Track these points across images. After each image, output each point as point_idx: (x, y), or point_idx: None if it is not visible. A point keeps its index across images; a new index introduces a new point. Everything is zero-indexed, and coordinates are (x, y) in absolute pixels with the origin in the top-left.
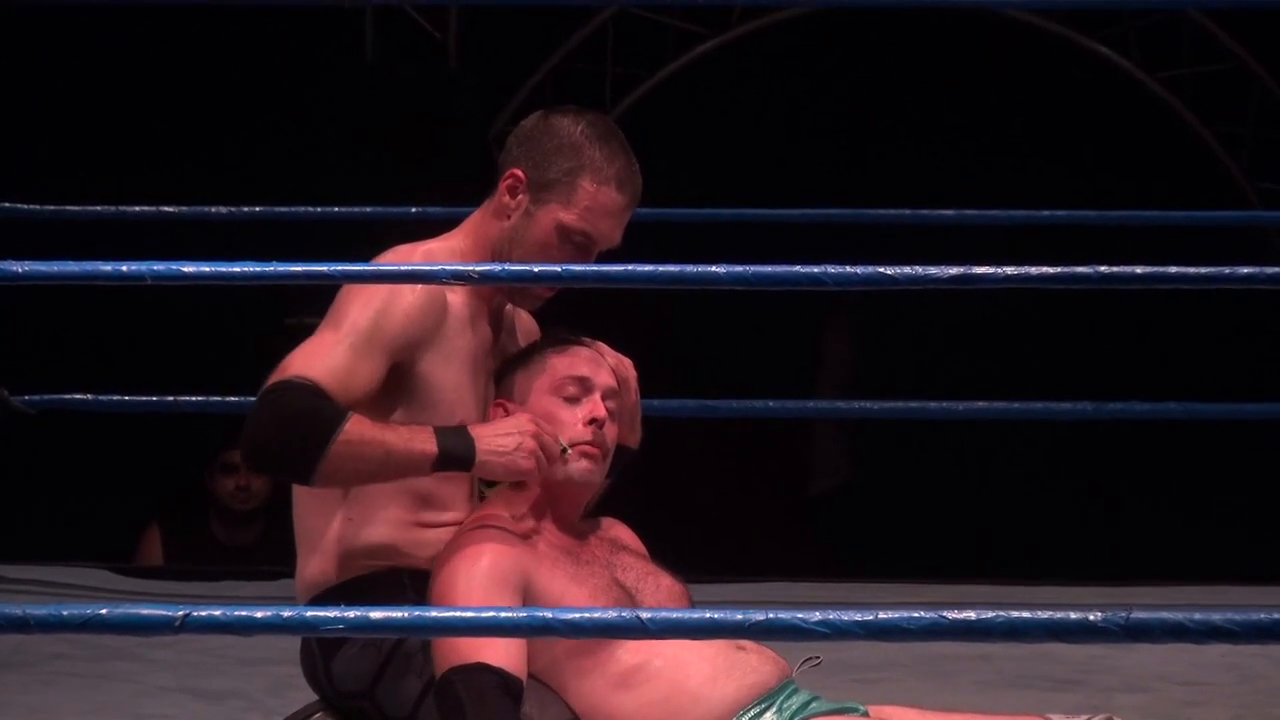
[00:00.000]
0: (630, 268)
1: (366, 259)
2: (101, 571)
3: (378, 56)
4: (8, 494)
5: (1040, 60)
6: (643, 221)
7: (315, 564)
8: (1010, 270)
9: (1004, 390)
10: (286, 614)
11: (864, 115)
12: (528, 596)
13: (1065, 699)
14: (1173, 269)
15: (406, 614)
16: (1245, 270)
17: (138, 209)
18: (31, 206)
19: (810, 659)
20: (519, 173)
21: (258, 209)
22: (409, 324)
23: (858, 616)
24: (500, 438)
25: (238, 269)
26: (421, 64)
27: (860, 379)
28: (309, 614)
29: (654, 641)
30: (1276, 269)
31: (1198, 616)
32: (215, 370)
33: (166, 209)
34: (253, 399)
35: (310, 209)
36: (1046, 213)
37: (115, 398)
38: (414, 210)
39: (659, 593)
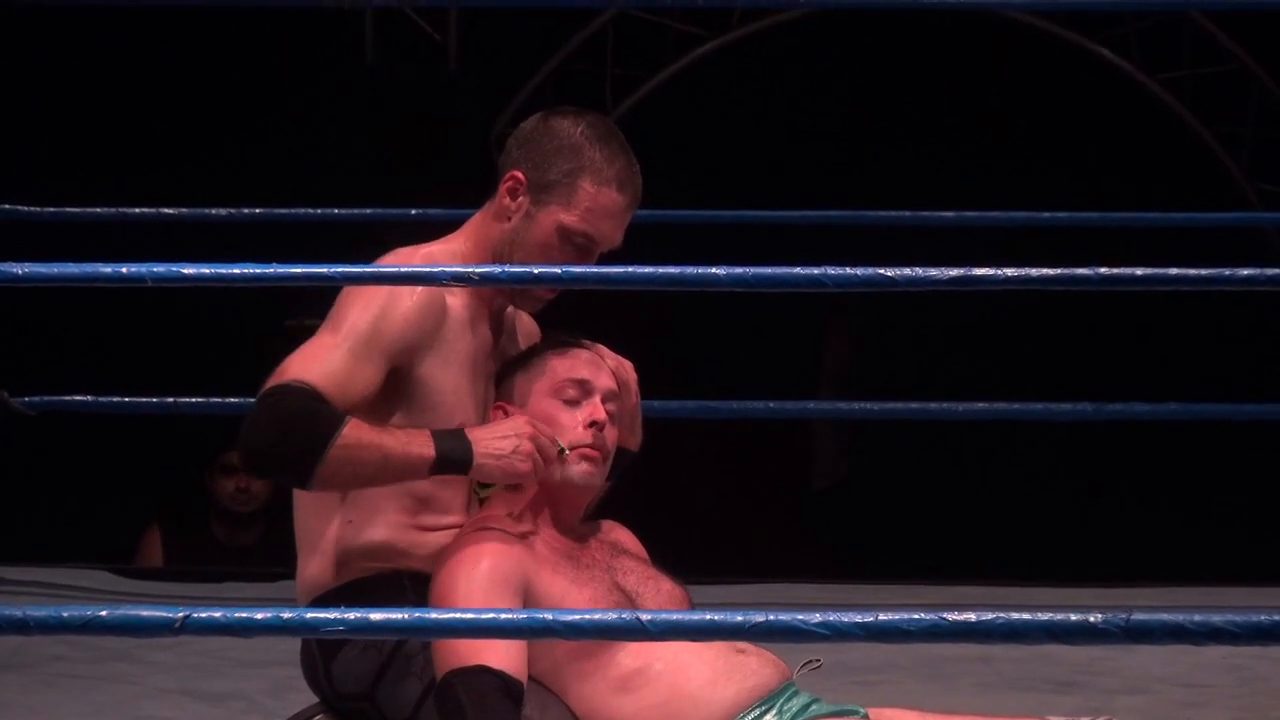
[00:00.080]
0: (630, 269)
1: (366, 261)
2: (101, 573)
3: (378, 58)
4: (8, 495)
5: (1041, 62)
6: (643, 223)
7: (315, 566)
8: (1010, 272)
9: (1004, 391)
10: (287, 615)
11: (864, 117)
12: (528, 599)
13: (1065, 701)
14: (1173, 270)
15: (407, 616)
16: (1245, 271)
17: (138, 211)
18: (31, 208)
19: (810, 662)
20: (519, 175)
21: (258, 211)
22: (408, 328)
23: (858, 618)
24: (497, 440)
25: (238, 271)
26: (421, 66)
27: (860, 380)
28: (309, 615)
29: (654, 645)
30: (1276, 270)
31: (1198, 618)
32: (215, 372)
33: (166, 211)
34: (252, 400)
35: (310, 211)
36: (1047, 214)
37: (115, 399)
38: (414, 212)
39: (659, 597)
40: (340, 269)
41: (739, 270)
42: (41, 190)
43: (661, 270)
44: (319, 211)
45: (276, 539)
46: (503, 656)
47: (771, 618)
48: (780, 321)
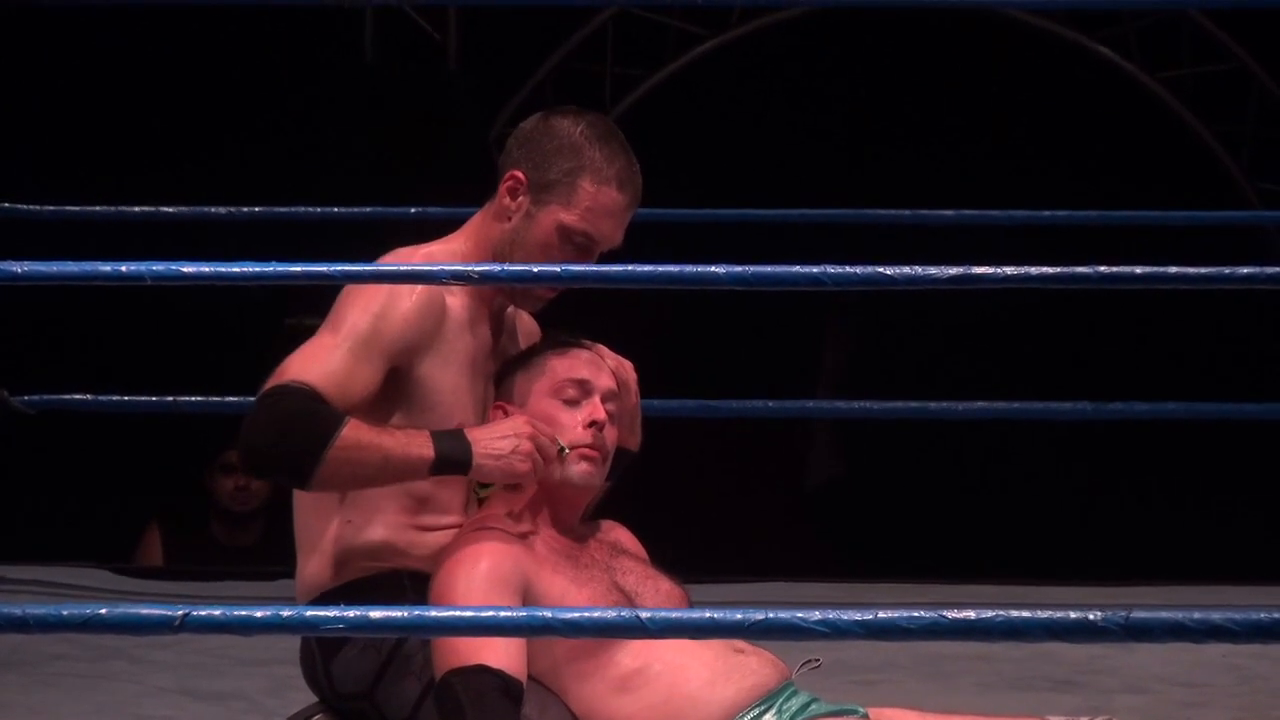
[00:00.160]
0: (630, 268)
1: (366, 259)
2: (101, 572)
3: (377, 57)
4: (8, 494)
5: (1040, 60)
6: (642, 222)
7: (315, 565)
8: (1010, 270)
9: (1004, 390)
10: (286, 614)
11: (863, 115)
12: (527, 599)
13: (1065, 700)
14: (1172, 269)
15: (406, 614)
16: (1245, 270)
17: (137, 209)
18: (31, 207)
19: (810, 661)
20: (519, 174)
21: (257, 209)
22: (407, 328)
23: (857, 616)
24: (497, 441)
25: (237, 269)
26: (421, 64)
27: (859, 379)
28: (309, 614)
29: (653, 645)
30: (1276, 269)
31: (1197, 616)
32: (215, 370)
33: (166, 209)
34: (252, 399)
35: (310, 209)
36: (1046, 213)
37: (115, 398)
38: (414, 211)
39: (658, 597)
40: (340, 268)
41: (738, 269)
42: (41, 189)
43: (661, 269)
44: (318, 210)
45: (276, 538)
46: (502, 656)
47: (771, 616)
48: (780, 321)
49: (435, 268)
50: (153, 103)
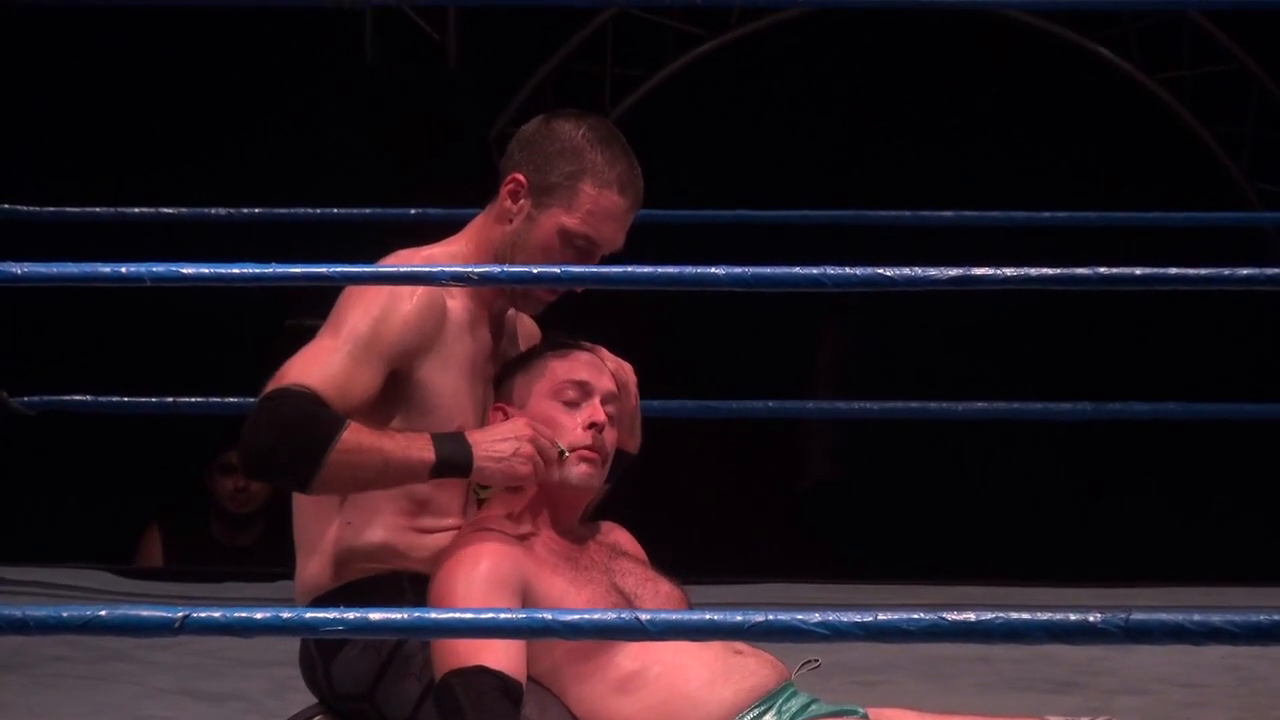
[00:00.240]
0: (629, 269)
1: (366, 261)
2: (101, 573)
3: (377, 58)
4: (7, 495)
5: (1040, 61)
6: (642, 223)
7: (314, 567)
8: (1010, 271)
9: (1004, 391)
10: (286, 615)
11: (863, 116)
12: (527, 600)
13: (1065, 701)
14: (1172, 270)
15: (406, 616)
16: (1245, 271)
17: (137, 210)
18: (31, 208)
19: (809, 661)
20: (521, 177)
21: (257, 210)
22: (408, 331)
23: (857, 618)
24: (497, 444)
25: (237, 270)
26: (421, 65)
27: (859, 380)
28: (309, 615)
29: (653, 647)
30: (1276, 270)
31: (1197, 618)
32: (214, 371)
33: (166, 210)
34: (252, 400)
35: (309, 210)
36: (1046, 214)
37: (115, 399)
38: (413, 212)
39: (658, 598)
40: (339, 269)
41: (738, 270)
42: (41, 190)
43: (660, 270)
44: (318, 211)
45: (276, 539)
46: (502, 657)
47: (771, 618)
48: (780, 322)
49: (435, 269)
50: (152, 104)
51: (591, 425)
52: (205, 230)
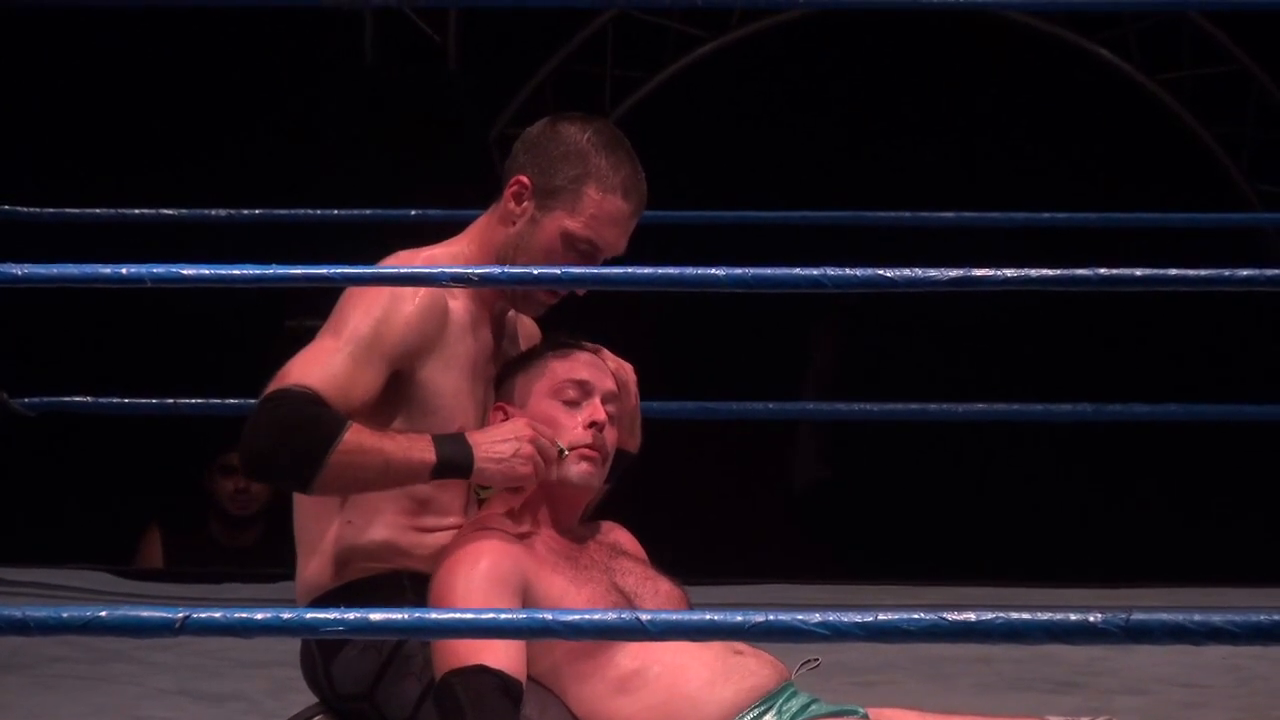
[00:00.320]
0: (630, 270)
1: (366, 261)
2: (101, 574)
3: (377, 59)
4: (7, 496)
5: (1040, 62)
6: (642, 224)
7: (315, 567)
8: (1010, 272)
9: (1004, 392)
10: (286, 616)
11: (863, 117)
12: (527, 600)
13: (1065, 701)
14: (1172, 271)
15: (406, 616)
16: (1245, 272)
17: (137, 211)
18: (31, 209)
19: (809, 661)
20: (525, 179)
21: (257, 211)
22: (409, 332)
23: (857, 618)
24: (498, 444)
25: (237, 271)
26: (421, 66)
27: (859, 381)
28: (309, 616)
29: (653, 647)
30: (1276, 271)
31: (1197, 618)
32: (215, 372)
33: (166, 211)
34: (252, 401)
35: (310, 211)
36: (1046, 215)
37: (115, 400)
38: (413, 213)
39: (658, 598)
40: (340, 270)
41: (738, 271)
42: (41, 191)
43: (660, 271)
44: (318, 212)
45: (276, 540)
46: (502, 656)
47: (771, 618)
48: (781, 322)
49: (435, 270)
50: (152, 104)
51: (592, 424)
52: (205, 231)
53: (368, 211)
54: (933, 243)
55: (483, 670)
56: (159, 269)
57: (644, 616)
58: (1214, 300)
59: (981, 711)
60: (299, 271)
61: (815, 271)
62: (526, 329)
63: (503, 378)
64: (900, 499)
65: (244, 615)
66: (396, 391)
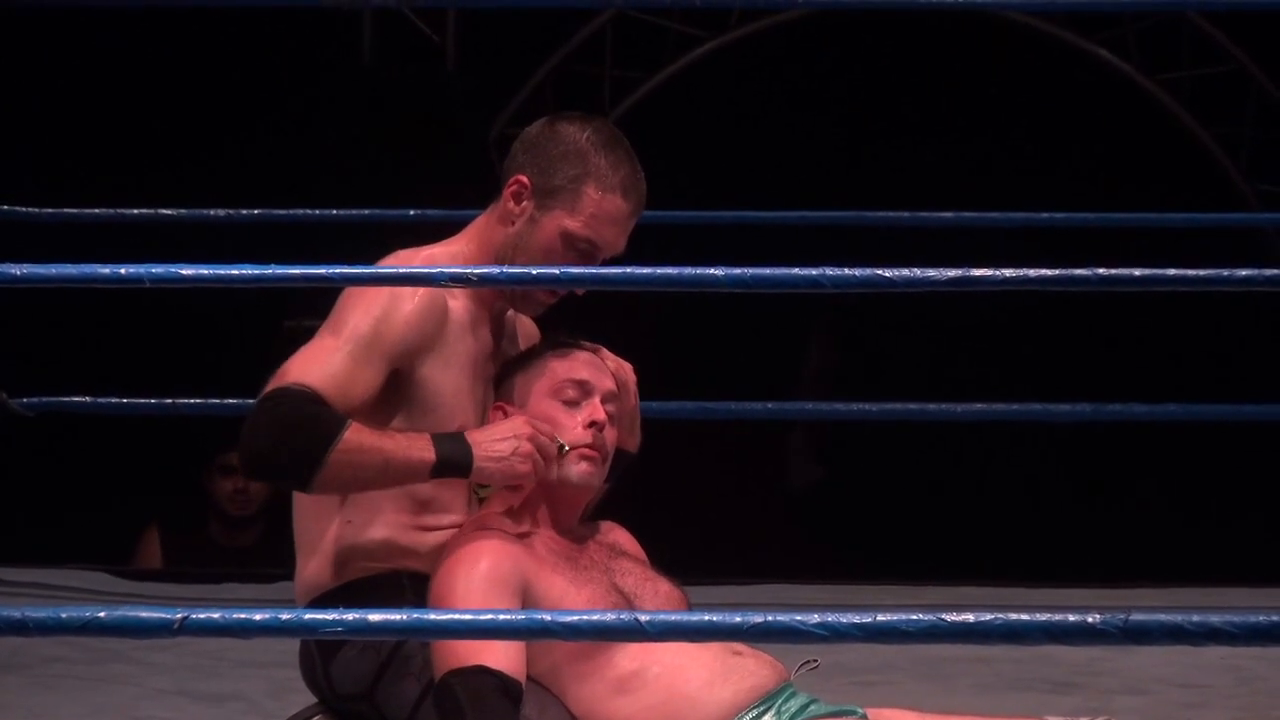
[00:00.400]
0: (629, 270)
1: (365, 262)
2: (100, 574)
3: (376, 59)
4: (6, 496)
5: (1039, 62)
6: (641, 224)
7: (314, 567)
8: (1009, 272)
9: (1003, 392)
10: (285, 616)
11: (862, 117)
12: (526, 600)
13: (1064, 701)
14: (1171, 271)
15: (405, 616)
16: (1244, 272)
17: (136, 211)
18: (30, 209)
19: (808, 662)
20: (524, 179)
21: (256, 211)
22: (409, 331)
23: (856, 619)
24: (497, 443)
25: (236, 271)
26: (419, 66)
27: (859, 381)
28: (308, 616)
29: (652, 647)
30: (1275, 271)
31: (1196, 619)
32: (213, 372)
33: (165, 211)
34: (251, 401)
35: (308, 211)
36: (1045, 215)
37: (113, 400)
38: (412, 213)
39: (657, 598)
40: (338, 270)
41: (737, 271)
42: (40, 191)
43: (659, 271)
44: (317, 212)
45: (275, 540)
46: (501, 657)
47: (770, 618)
48: (780, 323)
49: (433, 270)
50: (152, 104)
51: (591, 424)
52: (204, 231)
53: (366, 211)
54: (932, 243)
55: (482, 671)
56: (158, 269)
57: (643, 617)
58: (1213, 300)
59: (981, 712)
60: (298, 271)
61: (814, 272)
62: (525, 328)
63: (502, 377)
64: (899, 499)
65: (243, 616)
66: (396, 390)
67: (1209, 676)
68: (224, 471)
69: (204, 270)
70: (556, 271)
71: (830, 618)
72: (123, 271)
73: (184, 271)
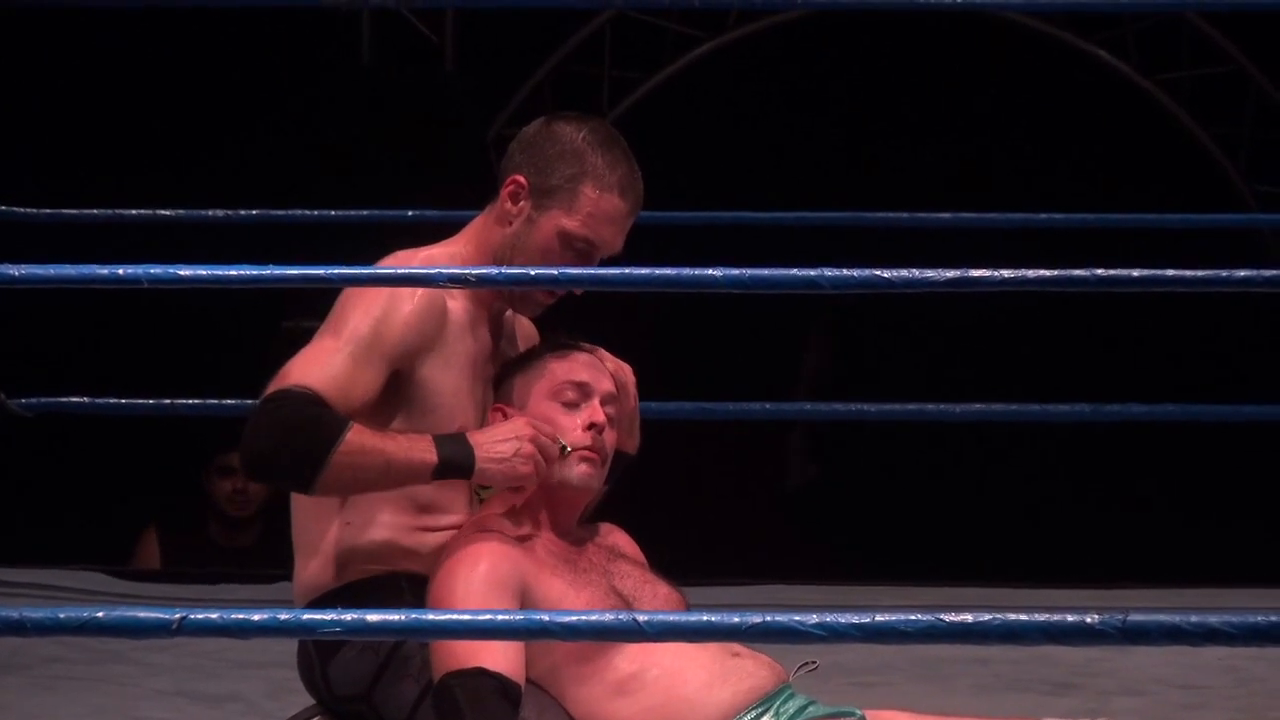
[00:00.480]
0: (627, 271)
1: (364, 262)
2: (98, 574)
3: (374, 59)
4: (5, 497)
5: (1038, 63)
6: (640, 224)
7: (313, 568)
8: (1007, 273)
9: (1002, 393)
10: (284, 617)
11: (861, 118)
12: (525, 602)
13: (1062, 702)
14: (1170, 271)
15: (404, 617)
16: (1242, 273)
17: (135, 212)
18: (28, 210)
19: (806, 663)
20: (521, 179)
21: (254, 212)
22: (409, 331)
23: (854, 619)
24: (499, 444)
25: (234, 272)
26: (418, 67)
27: (856, 382)
28: (306, 617)
29: (650, 649)
30: (1273, 271)
31: (1195, 619)
32: (212, 373)
33: (163, 212)
34: (250, 402)
35: (307, 212)
36: (1044, 215)
37: (112, 401)
38: (411, 213)
39: (656, 600)
40: (337, 270)
41: (735, 271)
42: (38, 191)
43: (658, 272)
44: (315, 213)
45: (274, 540)
46: (500, 658)
47: (768, 619)
48: (779, 323)
49: (432, 271)
50: (151, 104)
51: (591, 426)
52: (203, 232)
53: (365, 212)
54: (930, 243)
55: (481, 672)
56: (156, 269)
57: (641, 618)
58: (1212, 301)
59: (979, 713)
60: (296, 272)
61: (812, 272)
62: (525, 329)
63: (501, 379)
64: (898, 500)
65: (241, 616)
66: (396, 391)
67: (1207, 677)
68: (223, 472)
69: (202, 271)
70: (555, 272)
71: (828, 618)
72: (121, 272)
73: (182, 272)
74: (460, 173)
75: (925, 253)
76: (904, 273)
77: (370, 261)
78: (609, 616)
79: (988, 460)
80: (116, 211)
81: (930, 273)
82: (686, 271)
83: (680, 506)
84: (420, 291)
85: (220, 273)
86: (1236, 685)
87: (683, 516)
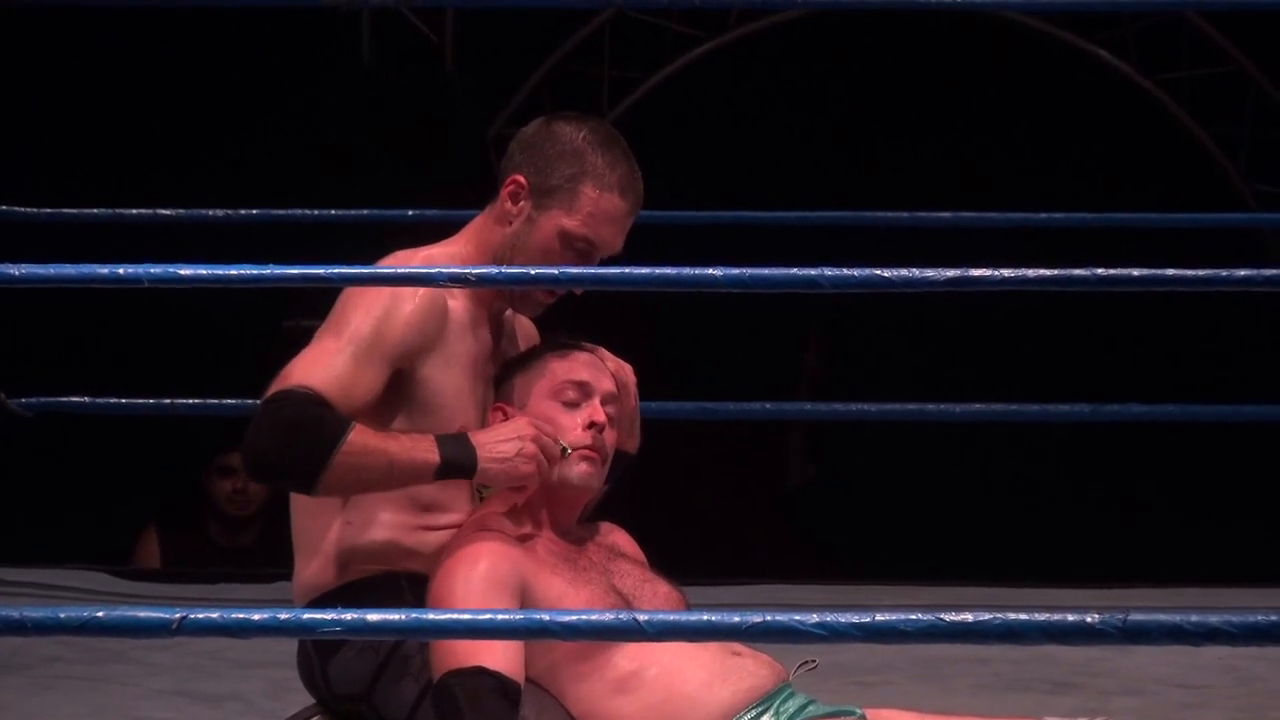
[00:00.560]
0: (627, 270)
1: (364, 262)
2: (98, 574)
3: (374, 59)
4: (5, 497)
5: (1038, 62)
6: (640, 224)
7: (313, 567)
8: (1007, 272)
9: (1002, 392)
10: (283, 617)
11: (861, 117)
12: (525, 601)
13: (1063, 702)
14: (1170, 271)
15: (404, 616)
16: (1242, 272)
17: (135, 211)
18: (28, 209)
19: (806, 662)
20: (521, 179)
21: (255, 211)
22: (410, 331)
23: (855, 619)
24: (501, 444)
25: (235, 272)
26: (418, 66)
27: (856, 382)
28: (306, 616)
29: (650, 647)
30: (1273, 271)
31: (1195, 618)
32: (212, 373)
33: (164, 211)
34: (250, 401)
35: (307, 212)
36: (1044, 215)
37: (112, 400)
38: (411, 213)
39: (656, 600)
40: (337, 270)
41: (735, 271)
42: (39, 191)
43: (658, 271)
44: (315, 212)
45: (274, 540)
46: (500, 658)
47: (769, 618)
48: (779, 323)
49: (432, 270)
50: (151, 104)
51: (591, 425)
52: (203, 231)
53: (365, 212)
54: (930, 243)
55: (481, 671)
56: (156, 269)
57: (641, 617)
58: (1212, 300)
59: (979, 712)
60: (296, 272)
61: (812, 272)
62: (525, 329)
63: (502, 378)
64: (898, 499)
65: (241, 616)
66: (397, 391)
67: (1207, 677)
68: (223, 472)
69: (203, 270)
70: (555, 271)
71: (829, 618)
72: (121, 272)
73: (182, 272)
74: (460, 173)
75: (925, 253)
76: (904, 272)
77: (370, 261)
78: (609, 616)
79: (988, 460)
80: (116, 211)
81: (930, 272)
82: (686, 271)
83: (680, 506)
84: (421, 291)
85: (220, 272)
86: (1236, 685)
87: (683, 516)
